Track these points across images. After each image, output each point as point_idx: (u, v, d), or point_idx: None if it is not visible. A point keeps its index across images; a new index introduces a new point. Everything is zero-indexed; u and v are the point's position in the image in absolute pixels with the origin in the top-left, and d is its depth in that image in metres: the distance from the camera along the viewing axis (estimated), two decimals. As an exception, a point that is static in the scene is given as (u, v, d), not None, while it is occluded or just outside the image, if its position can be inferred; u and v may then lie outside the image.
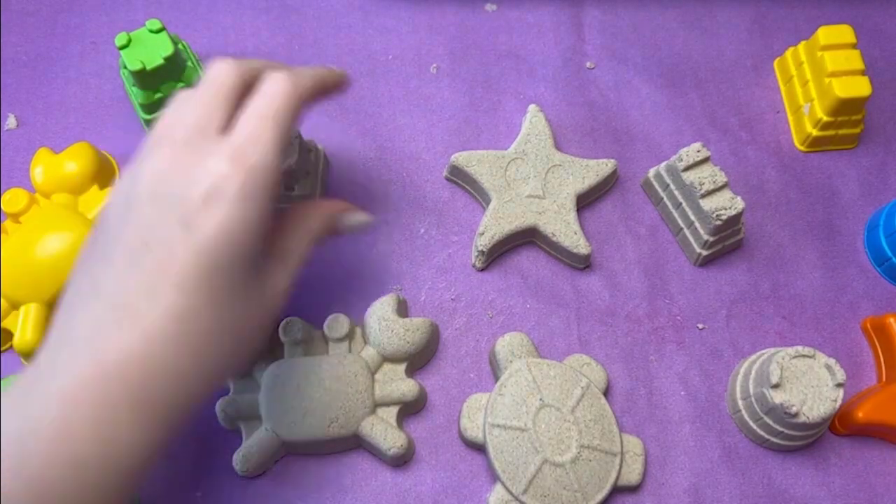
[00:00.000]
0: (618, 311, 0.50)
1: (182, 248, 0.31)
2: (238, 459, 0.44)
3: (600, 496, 0.43)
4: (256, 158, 0.33)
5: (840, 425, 0.47)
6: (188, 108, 0.35)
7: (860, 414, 0.46)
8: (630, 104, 0.56)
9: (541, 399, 0.44)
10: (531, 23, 0.59)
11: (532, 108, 0.53)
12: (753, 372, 0.46)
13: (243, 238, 0.33)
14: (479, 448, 0.45)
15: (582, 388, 0.45)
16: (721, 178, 0.48)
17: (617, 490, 0.45)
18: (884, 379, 0.49)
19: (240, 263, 0.33)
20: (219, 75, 0.36)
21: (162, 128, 0.35)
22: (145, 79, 0.51)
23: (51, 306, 0.48)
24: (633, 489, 0.45)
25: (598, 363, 0.47)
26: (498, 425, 0.43)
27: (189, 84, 0.53)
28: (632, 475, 0.44)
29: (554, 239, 0.49)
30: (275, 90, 0.36)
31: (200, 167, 0.33)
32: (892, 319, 0.49)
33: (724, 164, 0.54)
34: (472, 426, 0.45)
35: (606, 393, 0.47)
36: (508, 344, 0.46)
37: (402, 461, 0.46)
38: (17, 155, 0.53)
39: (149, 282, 0.31)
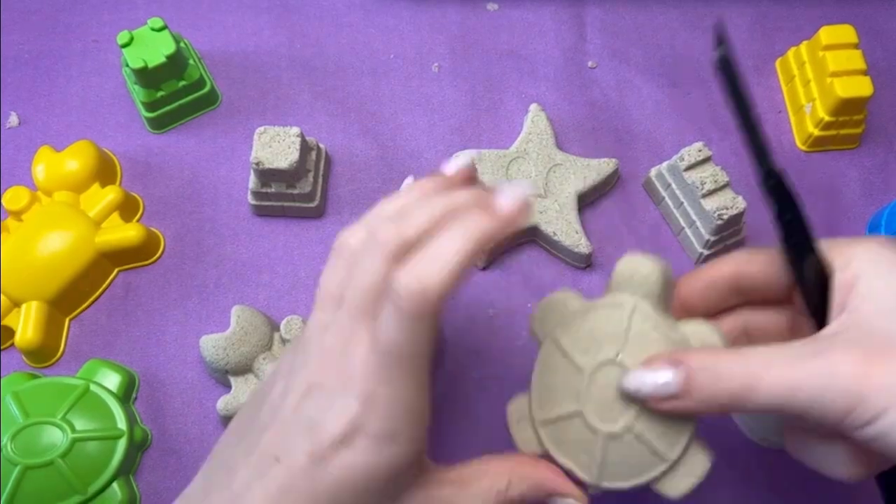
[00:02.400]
0: (619, 311, 0.50)
1: (304, 482, 0.30)
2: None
3: (621, 484, 0.35)
4: (389, 400, 0.30)
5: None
6: (361, 275, 0.31)
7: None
8: (631, 103, 0.56)
9: (618, 354, 0.34)
10: (533, 22, 0.59)
11: (534, 107, 0.53)
12: (754, 371, 0.46)
13: (373, 483, 0.30)
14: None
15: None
16: (722, 177, 0.48)
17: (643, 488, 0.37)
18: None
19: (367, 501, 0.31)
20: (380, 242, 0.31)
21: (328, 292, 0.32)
22: (147, 77, 0.51)
23: (52, 304, 0.48)
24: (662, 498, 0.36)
25: (724, 339, 0.34)
26: (560, 345, 0.35)
27: (190, 83, 0.53)
28: (673, 487, 0.35)
29: (555, 238, 0.49)
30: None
31: (334, 404, 0.30)
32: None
33: (725, 163, 0.54)
34: (540, 324, 0.37)
35: None
36: (641, 265, 0.35)
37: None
38: (18, 153, 0.53)
39: (269, 497, 0.30)
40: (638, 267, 0.35)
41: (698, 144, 0.49)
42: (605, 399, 0.34)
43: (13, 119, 0.55)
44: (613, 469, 0.35)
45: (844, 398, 0.29)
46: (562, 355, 0.35)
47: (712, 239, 0.49)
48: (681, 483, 0.35)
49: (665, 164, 0.51)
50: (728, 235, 0.50)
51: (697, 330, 0.34)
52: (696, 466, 0.35)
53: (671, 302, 0.36)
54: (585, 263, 0.51)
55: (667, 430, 0.34)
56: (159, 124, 0.54)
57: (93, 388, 0.45)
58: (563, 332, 0.35)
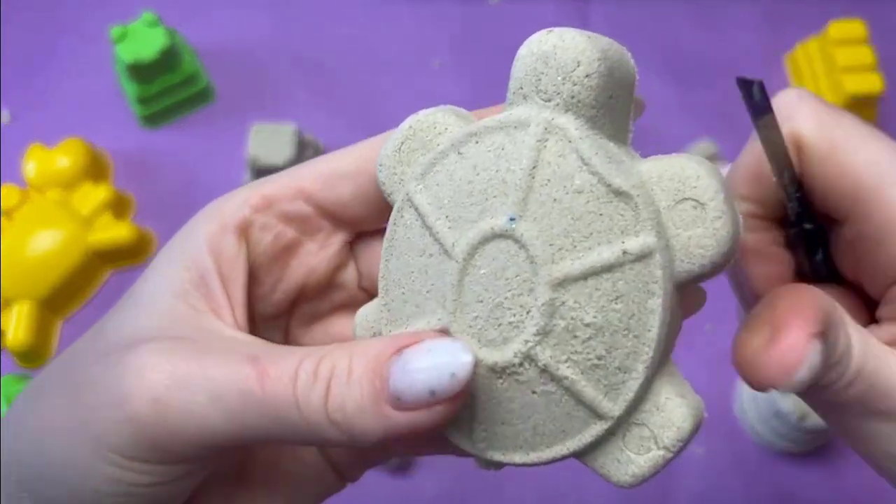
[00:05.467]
0: (623, 312, 0.49)
1: None
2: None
3: (520, 457, 0.20)
4: None
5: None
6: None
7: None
8: (636, 100, 0.55)
9: (511, 219, 0.19)
10: (535, 17, 0.58)
11: (536, 103, 0.53)
12: (763, 375, 0.45)
13: None
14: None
15: (623, 252, 0.18)
16: (730, 175, 0.47)
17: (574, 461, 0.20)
18: None
19: None
20: None
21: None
22: (140, 73, 0.50)
23: (43, 304, 0.47)
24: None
25: (723, 183, 0.18)
26: (416, 206, 0.21)
27: (184, 78, 0.52)
28: (619, 468, 0.19)
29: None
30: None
31: None
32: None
33: (733, 160, 0.53)
34: (393, 164, 0.22)
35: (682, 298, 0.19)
36: (562, 43, 0.18)
37: (405, 467, 0.45)
38: (9, 150, 0.53)
39: None
40: (556, 48, 0.18)
41: (706, 141, 0.48)
42: (489, 303, 0.19)
43: (5, 116, 0.54)
44: (507, 430, 0.20)
45: None
46: (420, 226, 0.20)
47: (719, 239, 0.48)
48: (635, 460, 0.19)
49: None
50: (735, 235, 0.49)
51: (669, 168, 0.18)
52: (665, 428, 0.19)
53: (629, 117, 0.20)
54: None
55: (605, 357, 0.18)
56: (153, 121, 0.53)
57: (84, 391, 0.44)
58: (424, 181, 0.20)
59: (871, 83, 0.51)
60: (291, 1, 0.58)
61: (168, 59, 0.50)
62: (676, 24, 0.58)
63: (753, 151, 0.23)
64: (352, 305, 0.25)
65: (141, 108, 0.53)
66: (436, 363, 0.18)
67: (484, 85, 0.56)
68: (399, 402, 0.18)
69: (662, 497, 0.45)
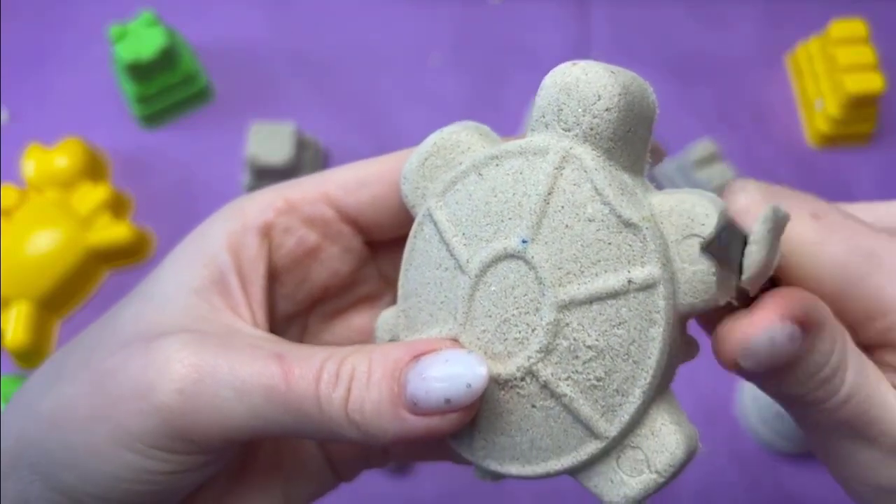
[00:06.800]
0: (624, 312, 0.49)
1: None
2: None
3: (517, 469, 0.21)
4: None
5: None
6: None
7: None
8: (637, 99, 0.55)
9: (524, 241, 0.20)
10: (536, 15, 0.58)
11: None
12: (764, 375, 0.45)
13: None
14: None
15: (629, 281, 0.19)
16: (731, 175, 0.47)
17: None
18: None
19: None
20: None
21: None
22: (139, 72, 0.50)
23: (41, 304, 0.47)
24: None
25: (725, 215, 0.19)
26: (435, 221, 0.22)
27: (183, 78, 0.52)
28: (611, 487, 0.20)
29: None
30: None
31: None
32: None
33: (734, 160, 0.53)
34: (416, 179, 0.23)
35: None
36: (585, 76, 0.20)
37: (404, 469, 0.45)
38: (8, 149, 0.53)
39: None
40: (579, 81, 0.19)
41: (706, 141, 0.48)
42: (496, 318, 0.20)
43: (4, 115, 0.54)
44: (505, 441, 0.20)
45: None
46: (438, 240, 0.21)
47: (720, 238, 0.48)
48: (628, 482, 0.20)
49: (672, 159, 0.50)
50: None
51: (680, 204, 0.19)
52: (658, 453, 0.20)
53: (646, 150, 0.21)
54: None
55: (604, 379, 0.19)
56: (151, 120, 0.53)
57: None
58: (445, 198, 0.21)
59: (873, 83, 0.50)
60: (291, 0, 0.58)
61: (167, 59, 0.50)
62: (677, 24, 0.58)
63: None
64: (372, 298, 0.26)
65: (140, 107, 0.52)
66: (452, 373, 0.19)
67: (483, 83, 0.55)
68: (415, 407, 0.19)
69: (662, 497, 0.45)
